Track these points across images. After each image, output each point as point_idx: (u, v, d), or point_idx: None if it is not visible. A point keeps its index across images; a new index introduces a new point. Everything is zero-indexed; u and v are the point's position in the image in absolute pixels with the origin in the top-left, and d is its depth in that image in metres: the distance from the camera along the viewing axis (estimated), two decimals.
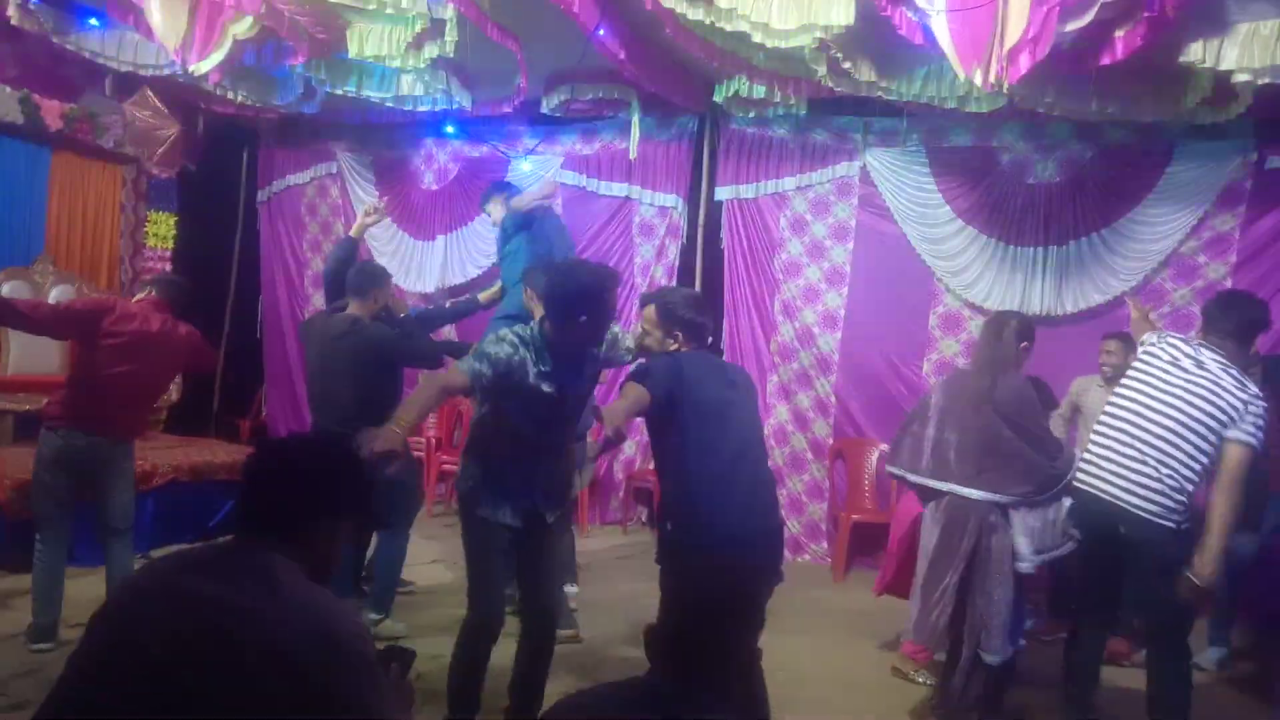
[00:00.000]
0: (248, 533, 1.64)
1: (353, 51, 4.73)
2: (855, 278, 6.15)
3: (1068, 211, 5.60)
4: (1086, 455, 3.29)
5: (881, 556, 5.84)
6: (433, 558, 5.39)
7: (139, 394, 3.96)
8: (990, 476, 3.25)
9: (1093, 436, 3.31)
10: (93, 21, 5.47)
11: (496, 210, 5.31)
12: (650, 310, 3.00)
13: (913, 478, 3.43)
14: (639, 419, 2.87)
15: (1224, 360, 3.11)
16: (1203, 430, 3.05)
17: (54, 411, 3.81)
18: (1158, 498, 3.07)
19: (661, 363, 2.84)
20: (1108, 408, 3.29)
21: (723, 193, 6.41)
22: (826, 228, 6.22)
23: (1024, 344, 3.42)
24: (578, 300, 2.81)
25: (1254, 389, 3.08)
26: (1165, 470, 3.07)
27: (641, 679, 1.57)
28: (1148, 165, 5.48)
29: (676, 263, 6.56)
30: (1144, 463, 3.10)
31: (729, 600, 2.60)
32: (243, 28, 4.51)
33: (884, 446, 5.86)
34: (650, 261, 6.58)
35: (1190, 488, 3.07)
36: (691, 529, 2.73)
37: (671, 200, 6.54)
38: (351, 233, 4.73)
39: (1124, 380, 3.32)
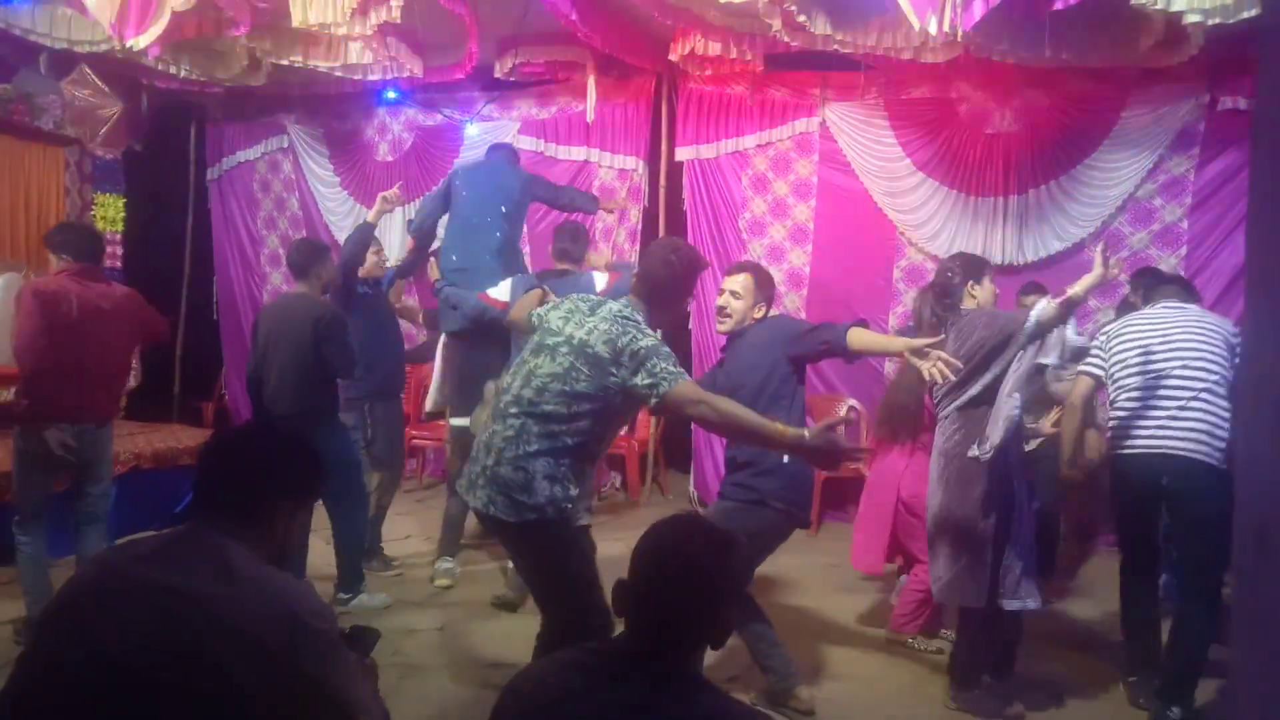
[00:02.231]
0: (202, 516, 1.61)
1: (296, 20, 4.58)
2: (819, 235, 6.14)
3: (1026, 160, 5.63)
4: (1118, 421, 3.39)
5: (853, 510, 5.94)
6: (406, 533, 5.37)
7: (106, 370, 3.81)
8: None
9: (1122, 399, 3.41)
10: None
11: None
12: (747, 279, 3.18)
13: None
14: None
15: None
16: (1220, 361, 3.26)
17: (32, 407, 3.65)
18: (1203, 438, 3.18)
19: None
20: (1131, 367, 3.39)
21: (683, 153, 6.35)
22: (788, 185, 6.20)
23: (969, 283, 3.35)
24: (692, 280, 2.81)
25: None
26: (1203, 409, 3.21)
27: (604, 643, 1.56)
28: (1103, 111, 5.50)
29: (639, 226, 6.51)
30: (1184, 408, 3.22)
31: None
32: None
33: (853, 402, 5.91)
34: (612, 226, 6.51)
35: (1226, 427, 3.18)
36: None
37: (631, 162, 6.47)
38: (369, 218, 4.62)
39: (1127, 343, 3.43)
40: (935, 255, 5.83)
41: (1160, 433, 3.25)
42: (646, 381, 2.44)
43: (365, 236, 4.56)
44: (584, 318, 2.59)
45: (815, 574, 4.81)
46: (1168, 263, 5.41)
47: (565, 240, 4.47)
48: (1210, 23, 4.00)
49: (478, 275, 4.52)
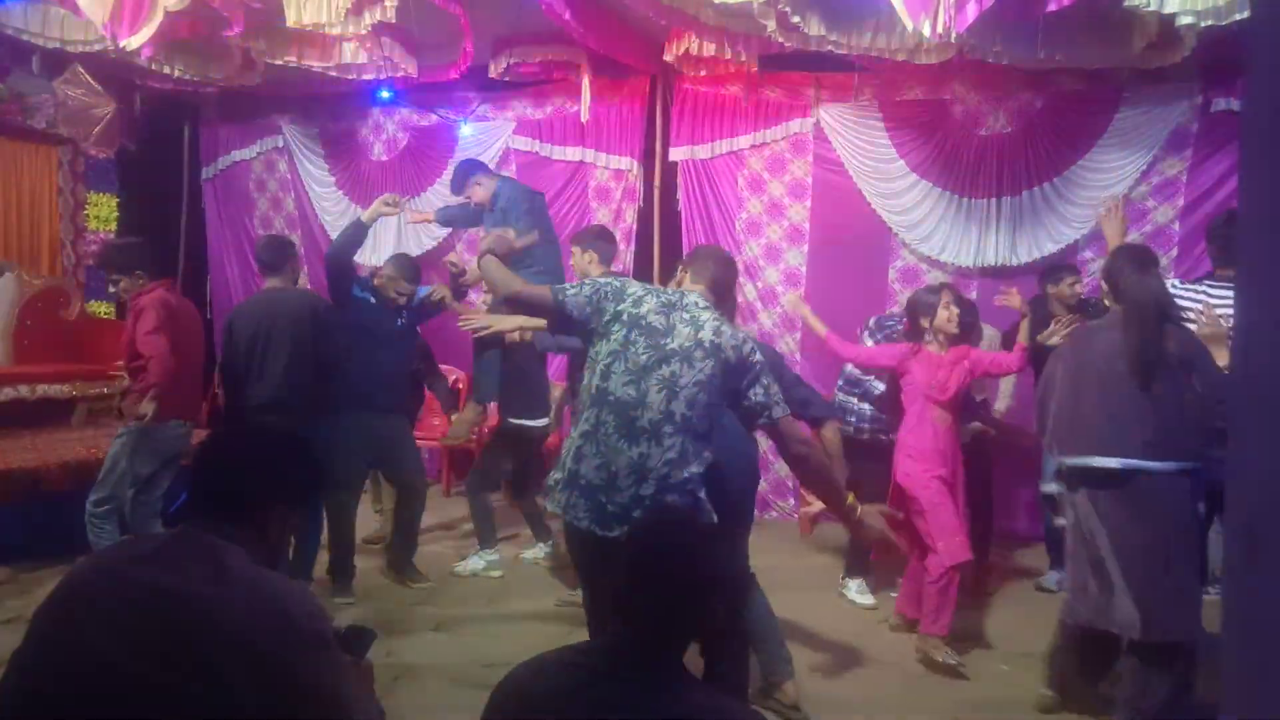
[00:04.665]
0: (197, 518, 1.61)
1: (290, 19, 4.57)
2: (814, 235, 6.15)
3: (1020, 161, 5.64)
4: None
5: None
6: None
7: (200, 372, 4.33)
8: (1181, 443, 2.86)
9: None
10: None
11: (480, 191, 4.98)
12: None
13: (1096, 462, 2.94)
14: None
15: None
16: None
17: (166, 404, 3.88)
18: None
19: None
20: None
21: (677, 153, 6.35)
22: (784, 186, 6.20)
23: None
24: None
25: None
26: None
27: (597, 642, 1.57)
28: (1097, 112, 5.52)
29: (634, 226, 6.51)
30: None
31: None
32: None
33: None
34: (607, 226, 6.51)
35: None
36: None
37: (626, 163, 6.47)
38: (363, 217, 4.34)
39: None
40: (929, 257, 5.85)
41: None
42: (761, 398, 2.36)
43: (359, 235, 4.37)
44: (683, 313, 2.39)
45: (811, 573, 4.82)
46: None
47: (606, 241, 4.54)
48: (1203, 24, 4.01)
49: None
